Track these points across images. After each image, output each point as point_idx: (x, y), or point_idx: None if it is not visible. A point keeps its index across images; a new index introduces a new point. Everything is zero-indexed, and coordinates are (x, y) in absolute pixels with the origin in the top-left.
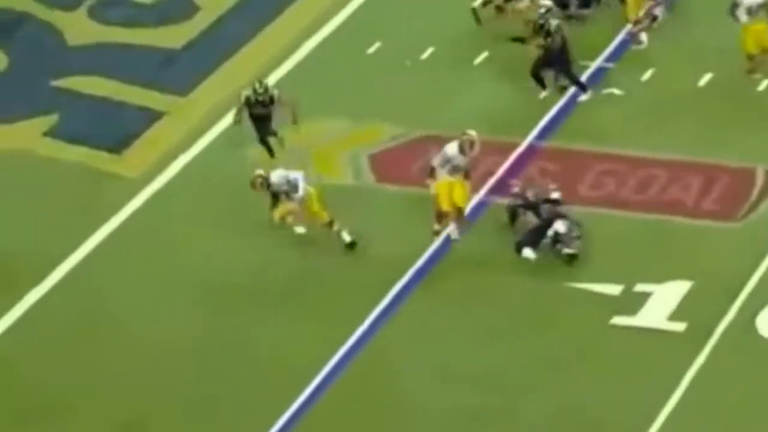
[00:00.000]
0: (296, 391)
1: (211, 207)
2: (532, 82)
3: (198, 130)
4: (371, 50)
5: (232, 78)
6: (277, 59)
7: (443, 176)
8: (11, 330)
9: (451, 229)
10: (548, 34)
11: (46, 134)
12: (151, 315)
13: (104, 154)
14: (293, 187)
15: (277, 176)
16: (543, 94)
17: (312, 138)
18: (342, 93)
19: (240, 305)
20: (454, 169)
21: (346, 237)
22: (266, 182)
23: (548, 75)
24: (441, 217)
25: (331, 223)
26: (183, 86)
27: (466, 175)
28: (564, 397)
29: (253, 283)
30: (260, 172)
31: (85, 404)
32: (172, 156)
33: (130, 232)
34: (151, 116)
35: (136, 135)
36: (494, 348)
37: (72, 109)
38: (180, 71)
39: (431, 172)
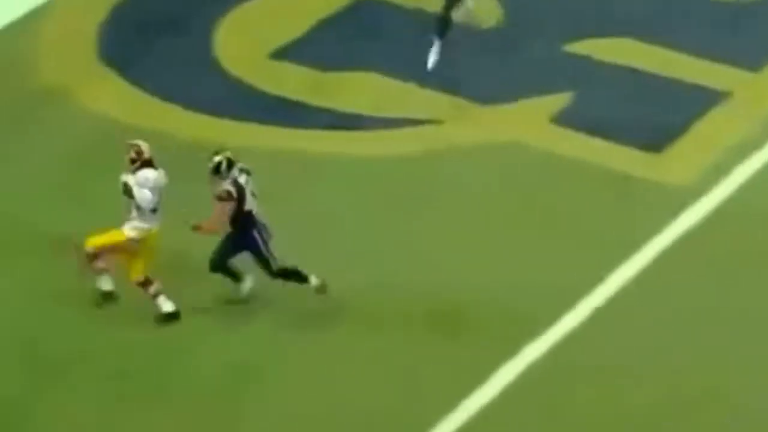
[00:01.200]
0: None
1: None
2: None
3: None
4: None
5: None
6: None
7: None
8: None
9: None
10: None
11: (553, 120)
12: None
13: (636, 152)
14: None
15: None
16: None
17: None
18: None
19: None
20: None
21: (167, 306)
22: (230, 169)
23: None
24: None
25: (146, 283)
26: (755, 56)
27: None
28: None
29: None
30: (227, 154)
31: None
32: (737, 156)
33: (669, 265)
34: (707, 98)
35: (683, 125)
36: None
37: (592, 85)
38: (749, 33)
39: None
